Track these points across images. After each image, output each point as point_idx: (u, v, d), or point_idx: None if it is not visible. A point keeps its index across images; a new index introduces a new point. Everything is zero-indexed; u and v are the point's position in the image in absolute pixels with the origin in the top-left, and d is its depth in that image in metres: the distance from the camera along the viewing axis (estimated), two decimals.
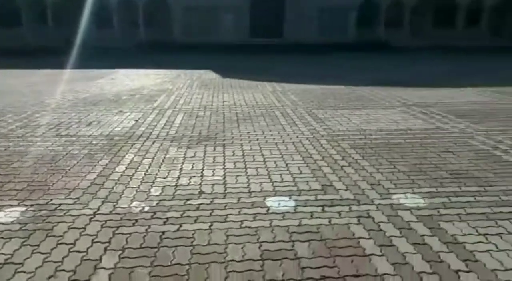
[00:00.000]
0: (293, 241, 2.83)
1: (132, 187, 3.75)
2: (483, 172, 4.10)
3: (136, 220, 3.13)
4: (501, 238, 2.85)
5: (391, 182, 3.86)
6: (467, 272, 2.47)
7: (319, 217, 3.17)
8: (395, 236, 2.88)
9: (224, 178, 3.99)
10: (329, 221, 3.11)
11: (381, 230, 2.97)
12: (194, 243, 2.82)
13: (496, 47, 25.91)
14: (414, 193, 3.62)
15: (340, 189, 3.70)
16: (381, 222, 3.09)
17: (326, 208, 3.32)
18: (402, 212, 3.24)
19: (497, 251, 2.69)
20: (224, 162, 4.45)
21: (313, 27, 26.41)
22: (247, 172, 4.14)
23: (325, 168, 4.25)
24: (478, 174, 4.05)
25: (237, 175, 4.05)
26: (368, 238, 2.86)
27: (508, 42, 27.69)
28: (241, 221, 3.11)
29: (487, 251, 2.69)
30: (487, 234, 2.90)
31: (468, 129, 5.85)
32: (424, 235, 2.89)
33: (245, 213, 3.23)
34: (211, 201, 3.45)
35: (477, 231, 2.95)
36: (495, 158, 4.54)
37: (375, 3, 27.72)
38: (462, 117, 6.59)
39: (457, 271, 2.48)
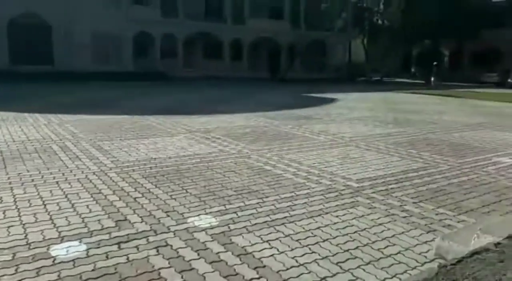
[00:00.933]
0: None
1: None
2: (260, 185, 4.72)
3: None
4: (280, 241, 3.32)
5: (184, 206, 3.99)
6: (258, 278, 2.76)
7: (116, 256, 2.97)
8: (194, 259, 2.97)
9: None
10: (127, 258, 2.95)
11: (180, 256, 3.01)
12: None
13: (254, 78, 30.65)
14: (206, 213, 3.83)
15: (135, 222, 3.58)
16: (180, 247, 3.13)
17: (122, 245, 3.14)
18: (197, 234, 3.38)
19: (278, 253, 3.11)
20: None
21: (87, 55, 25.07)
22: (22, 221, 3.52)
23: (117, 202, 4.04)
24: (256, 188, 4.63)
25: (9, 226, 3.40)
26: (168, 267, 2.85)
27: (262, 74, 33.07)
28: (20, 280, 2.61)
29: (272, 255, 3.08)
30: (269, 240, 3.33)
31: (244, 150, 6.64)
32: (219, 252, 3.09)
33: (24, 270, 2.73)
34: None
35: (261, 239, 3.34)
36: (267, 173, 5.29)
37: (149, 35, 28.58)
38: (238, 140, 7.43)
39: (251, 280, 2.74)
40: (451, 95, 20.27)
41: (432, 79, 29.39)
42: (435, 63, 30.85)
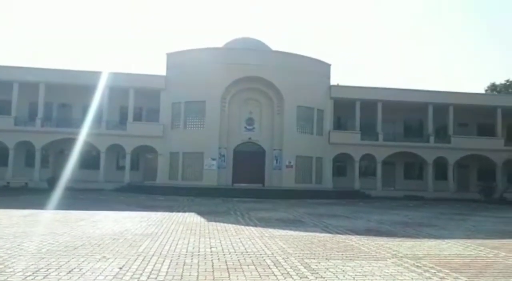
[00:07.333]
0: None
1: None
2: None
3: None
4: None
5: None
6: None
7: None
8: None
9: None
10: None
11: None
12: None
13: (461, 199, 27.24)
14: None
15: None
16: None
17: None
18: None
19: None
20: None
21: (291, 175, 27.64)
22: None
23: None
24: None
25: None
26: None
27: (471, 195, 29.07)
28: None
29: None
30: None
31: None
32: None
33: None
34: None
35: None
36: None
37: (349, 156, 29.77)
38: (457, 272, 6.45)
39: None
40: None
41: None
42: None
